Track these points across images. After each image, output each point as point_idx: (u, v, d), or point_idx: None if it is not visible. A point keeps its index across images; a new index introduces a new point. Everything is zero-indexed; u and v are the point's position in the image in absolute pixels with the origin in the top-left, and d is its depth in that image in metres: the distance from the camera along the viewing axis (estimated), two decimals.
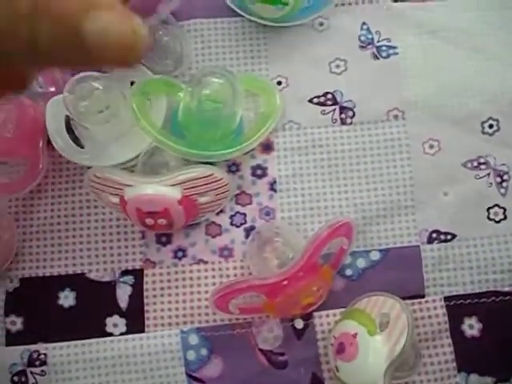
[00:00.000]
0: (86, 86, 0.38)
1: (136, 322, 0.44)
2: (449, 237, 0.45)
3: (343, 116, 0.47)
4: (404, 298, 0.43)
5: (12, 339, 0.43)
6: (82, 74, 0.39)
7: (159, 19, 0.26)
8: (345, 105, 0.47)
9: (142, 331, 0.43)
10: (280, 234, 0.44)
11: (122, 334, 0.43)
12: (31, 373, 0.43)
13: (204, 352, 0.43)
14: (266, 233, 0.44)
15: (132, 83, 0.44)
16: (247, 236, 0.45)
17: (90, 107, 0.38)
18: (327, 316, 0.44)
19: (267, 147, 0.46)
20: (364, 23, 0.48)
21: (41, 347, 0.43)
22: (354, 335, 0.39)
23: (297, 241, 0.44)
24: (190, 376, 0.43)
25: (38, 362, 0.43)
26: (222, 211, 0.45)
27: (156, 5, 0.26)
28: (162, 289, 0.44)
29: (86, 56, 0.21)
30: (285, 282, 0.40)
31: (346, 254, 0.43)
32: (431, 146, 0.46)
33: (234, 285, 0.40)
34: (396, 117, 0.47)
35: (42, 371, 0.43)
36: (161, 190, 0.41)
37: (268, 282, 0.40)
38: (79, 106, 0.38)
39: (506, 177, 0.46)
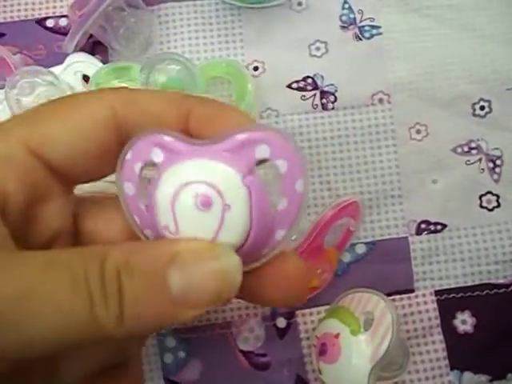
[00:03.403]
0: (29, 81, 0.36)
1: None
2: (439, 227, 0.43)
3: (324, 101, 0.44)
4: (392, 293, 0.42)
5: None
6: (25, 68, 0.36)
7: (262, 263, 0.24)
8: (326, 89, 0.44)
9: None
10: None
11: None
12: None
13: (182, 355, 0.41)
14: None
15: (84, 76, 0.42)
16: None
17: (35, 104, 0.36)
18: (311, 314, 0.42)
19: None
20: (345, 2, 0.45)
21: None
22: (337, 335, 0.37)
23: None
24: (167, 380, 0.41)
25: None
26: None
27: (262, 248, 0.24)
28: None
29: (174, 311, 0.20)
30: None
31: (353, 235, 0.41)
32: (418, 131, 0.43)
33: None
34: (381, 101, 0.44)
35: None
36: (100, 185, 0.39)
37: None
38: (22, 103, 0.36)
39: (498, 162, 0.43)
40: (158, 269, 0.20)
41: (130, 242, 0.23)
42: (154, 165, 0.23)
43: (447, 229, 0.43)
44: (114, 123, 0.23)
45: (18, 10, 0.45)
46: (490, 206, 0.43)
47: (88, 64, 0.42)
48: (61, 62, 0.42)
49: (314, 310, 0.42)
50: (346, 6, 0.45)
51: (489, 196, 0.43)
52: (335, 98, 0.44)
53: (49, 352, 0.20)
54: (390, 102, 0.44)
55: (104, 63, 0.43)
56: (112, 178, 0.25)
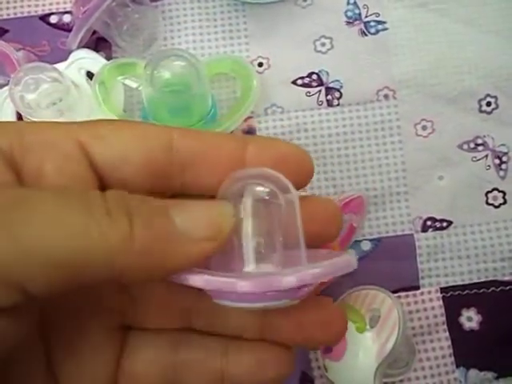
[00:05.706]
0: (34, 78, 0.36)
1: None
2: (444, 224, 0.42)
3: (329, 97, 0.44)
4: (398, 290, 0.41)
5: None
6: (30, 65, 0.36)
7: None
8: (331, 85, 0.44)
9: None
10: None
11: None
12: None
13: None
14: None
15: (88, 73, 0.42)
16: None
17: (39, 100, 0.36)
18: None
19: (250, 133, 0.43)
20: None
21: None
22: None
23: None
24: None
25: None
26: None
27: None
28: None
29: (181, 242, 0.20)
30: None
31: (356, 231, 0.41)
32: (424, 128, 0.43)
33: None
34: (386, 96, 0.44)
35: None
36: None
37: None
38: (26, 100, 0.36)
39: (505, 158, 0.43)
40: (160, 205, 0.20)
41: None
42: None
43: (453, 226, 0.42)
44: (170, 149, 0.23)
45: (21, 7, 0.45)
46: (497, 203, 0.43)
47: (92, 61, 0.41)
48: (64, 59, 0.42)
49: None
50: (351, 1, 0.45)
51: (495, 193, 0.43)
52: (340, 94, 0.44)
53: (51, 277, 0.18)
54: (395, 98, 0.44)
55: (108, 59, 0.43)
56: None
